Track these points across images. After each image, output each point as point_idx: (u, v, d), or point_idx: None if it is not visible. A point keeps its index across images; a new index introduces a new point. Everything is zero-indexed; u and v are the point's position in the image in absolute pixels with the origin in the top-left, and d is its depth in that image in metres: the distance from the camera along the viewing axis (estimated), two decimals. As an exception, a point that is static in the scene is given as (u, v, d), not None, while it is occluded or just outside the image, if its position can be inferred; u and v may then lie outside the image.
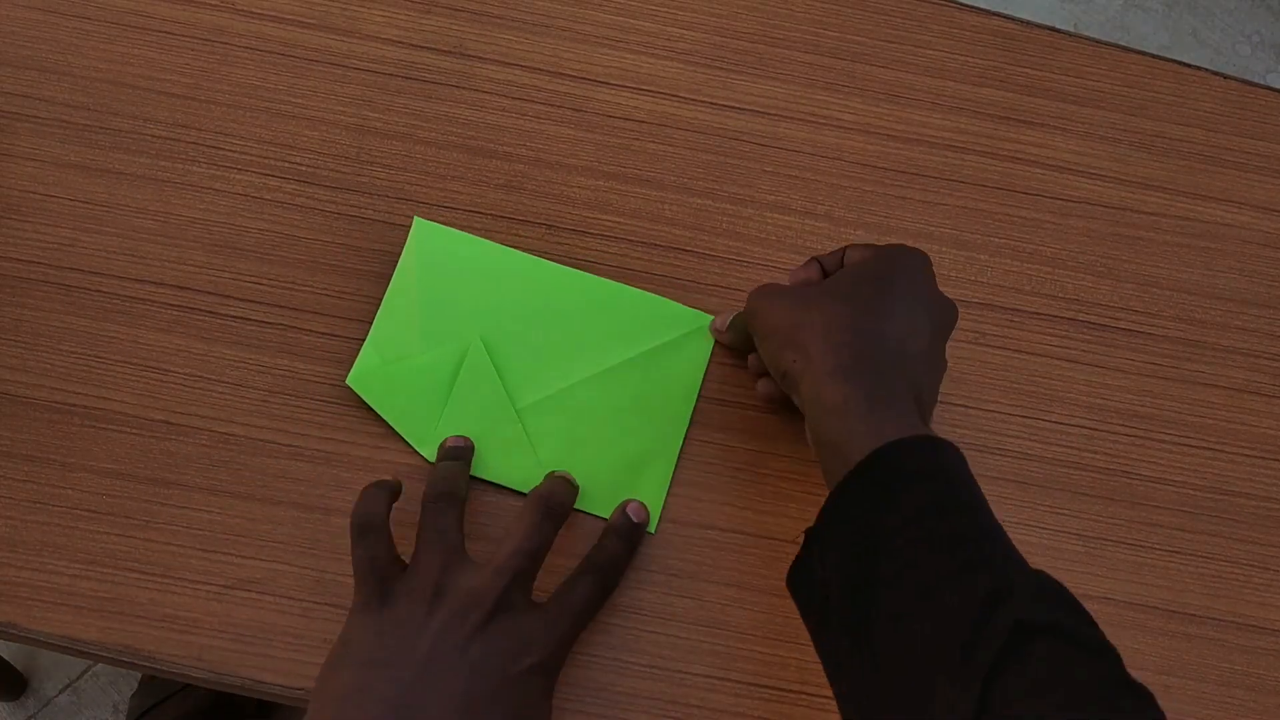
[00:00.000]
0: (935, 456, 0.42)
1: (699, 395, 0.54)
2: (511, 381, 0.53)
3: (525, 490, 0.51)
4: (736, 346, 0.54)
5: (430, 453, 0.51)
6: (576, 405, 0.53)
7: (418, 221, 0.55)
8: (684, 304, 0.55)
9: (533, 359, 0.53)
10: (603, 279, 0.55)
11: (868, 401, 0.43)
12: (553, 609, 0.46)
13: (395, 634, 0.43)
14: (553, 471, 0.51)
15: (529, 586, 0.46)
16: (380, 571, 0.45)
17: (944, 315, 0.48)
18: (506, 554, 0.45)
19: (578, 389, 0.53)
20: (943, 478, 0.42)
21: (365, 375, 0.52)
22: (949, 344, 0.56)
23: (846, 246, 0.51)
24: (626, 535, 0.50)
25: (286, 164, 0.56)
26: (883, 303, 0.45)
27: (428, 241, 0.55)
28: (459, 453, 0.51)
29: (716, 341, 0.55)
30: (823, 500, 0.43)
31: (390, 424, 0.51)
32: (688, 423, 0.53)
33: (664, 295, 0.56)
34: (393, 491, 0.48)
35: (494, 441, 0.52)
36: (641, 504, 0.51)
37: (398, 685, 0.42)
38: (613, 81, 0.60)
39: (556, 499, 0.48)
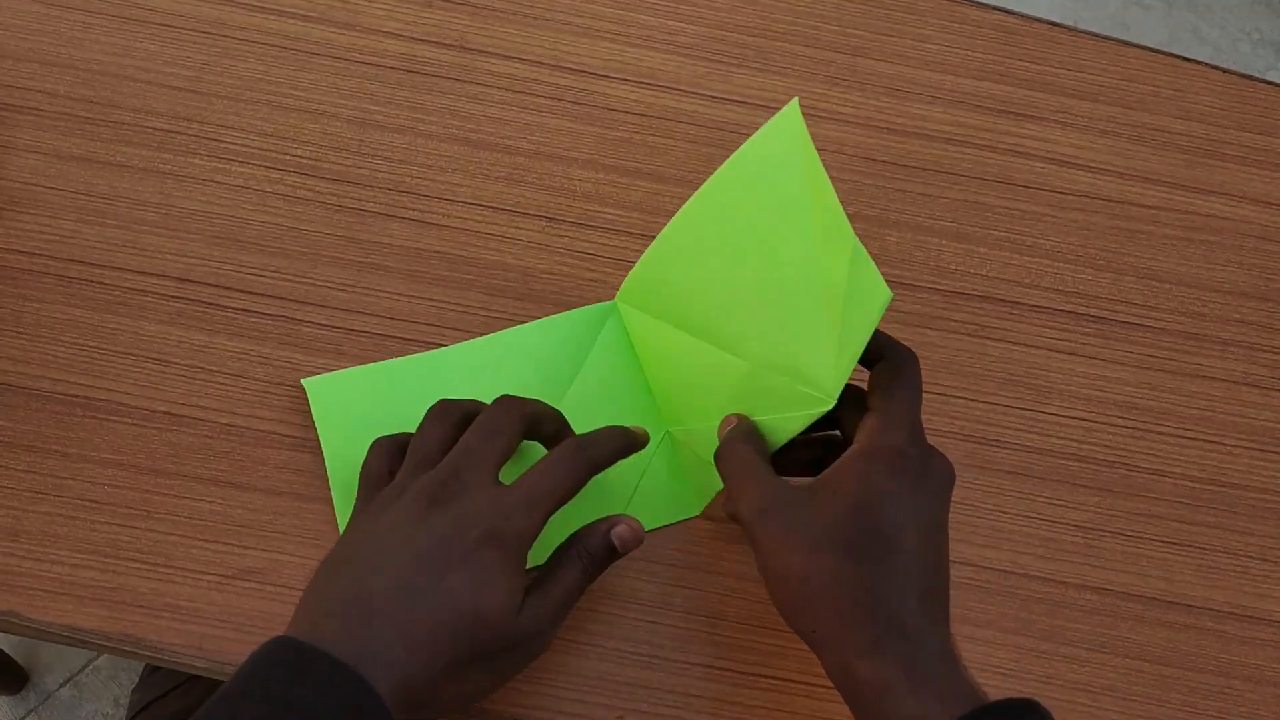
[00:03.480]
0: None
1: (650, 381, 0.53)
2: None
3: None
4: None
5: None
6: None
7: (306, 383, 0.52)
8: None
9: None
10: (499, 332, 0.54)
11: (908, 681, 0.39)
12: (515, 486, 0.44)
13: (356, 536, 0.45)
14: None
15: (488, 471, 0.44)
16: (370, 484, 0.47)
17: (942, 505, 0.44)
18: (464, 437, 0.45)
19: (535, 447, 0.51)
20: None
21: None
22: (948, 335, 0.56)
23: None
24: (623, 431, 0.48)
25: (288, 156, 0.57)
26: (891, 550, 0.41)
27: (328, 396, 0.52)
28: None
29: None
30: None
31: None
32: (656, 414, 0.53)
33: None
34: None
35: None
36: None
37: (342, 586, 0.42)
38: (613, 75, 0.60)
39: (520, 397, 0.47)
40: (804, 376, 0.45)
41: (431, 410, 0.48)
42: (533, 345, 0.54)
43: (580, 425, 0.50)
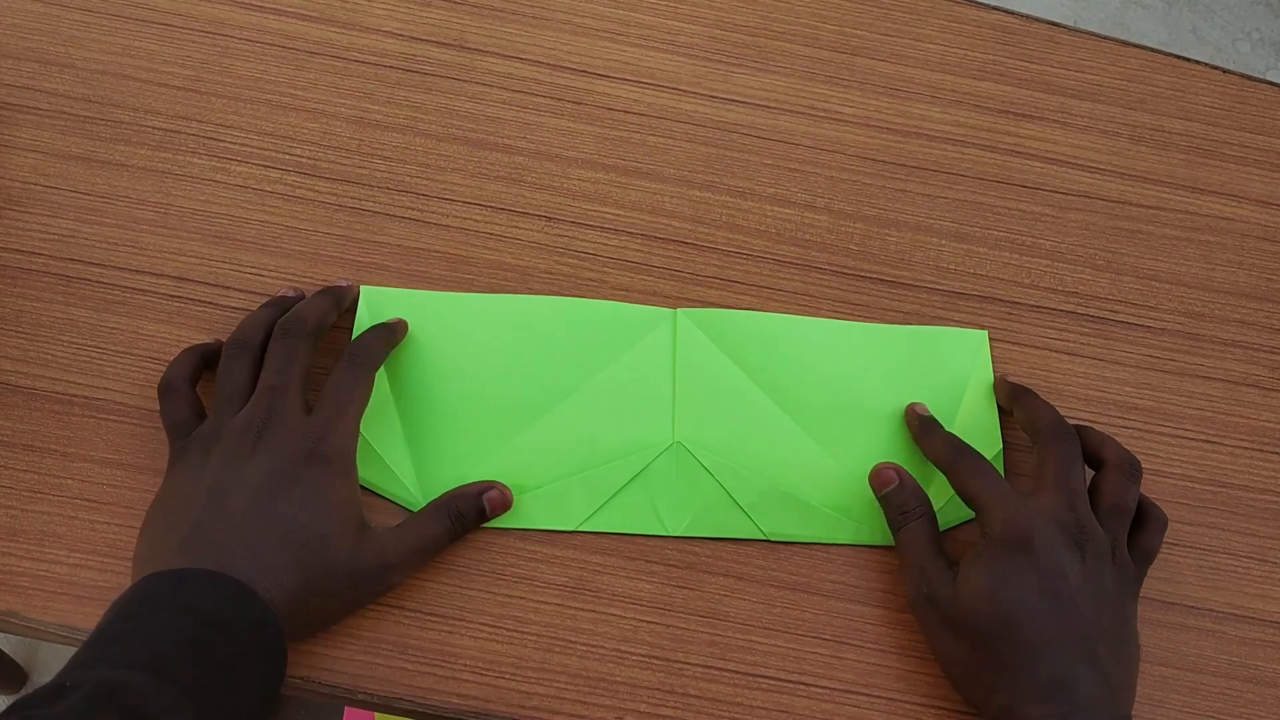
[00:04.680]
0: None
1: (676, 393, 0.53)
2: (490, 422, 0.52)
3: (516, 525, 0.51)
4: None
5: (422, 500, 0.50)
6: (559, 437, 0.52)
7: (365, 290, 0.54)
8: (684, 297, 0.55)
9: (505, 399, 0.52)
10: (556, 297, 0.54)
11: None
12: (318, 407, 0.46)
13: (185, 484, 0.45)
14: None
15: (294, 401, 0.46)
16: (178, 431, 0.47)
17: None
18: (261, 379, 0.47)
19: (555, 416, 0.52)
20: None
21: (368, 466, 0.51)
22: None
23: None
24: (384, 329, 0.51)
25: (287, 156, 0.56)
26: (998, 639, 0.45)
27: (378, 308, 0.53)
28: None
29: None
30: None
31: (380, 490, 0.50)
32: (672, 425, 0.53)
33: (664, 288, 0.56)
34: (203, 356, 0.50)
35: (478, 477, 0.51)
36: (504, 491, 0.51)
37: (186, 529, 0.43)
38: (613, 74, 0.60)
39: (294, 317, 0.49)
40: (853, 513, 0.52)
41: (227, 349, 0.49)
42: (582, 320, 0.54)
43: (594, 413, 0.52)
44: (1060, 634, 0.44)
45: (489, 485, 0.50)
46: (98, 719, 0.35)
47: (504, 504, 0.50)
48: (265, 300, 0.52)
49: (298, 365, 0.47)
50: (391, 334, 0.51)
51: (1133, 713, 0.45)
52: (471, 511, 0.49)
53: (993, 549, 0.46)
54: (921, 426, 0.52)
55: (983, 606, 0.45)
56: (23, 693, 1.09)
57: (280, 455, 0.45)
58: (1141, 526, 0.49)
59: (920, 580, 0.48)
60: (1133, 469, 0.49)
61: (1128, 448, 0.55)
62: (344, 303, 0.52)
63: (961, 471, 0.49)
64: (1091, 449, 0.50)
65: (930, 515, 0.50)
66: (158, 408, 0.51)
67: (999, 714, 0.44)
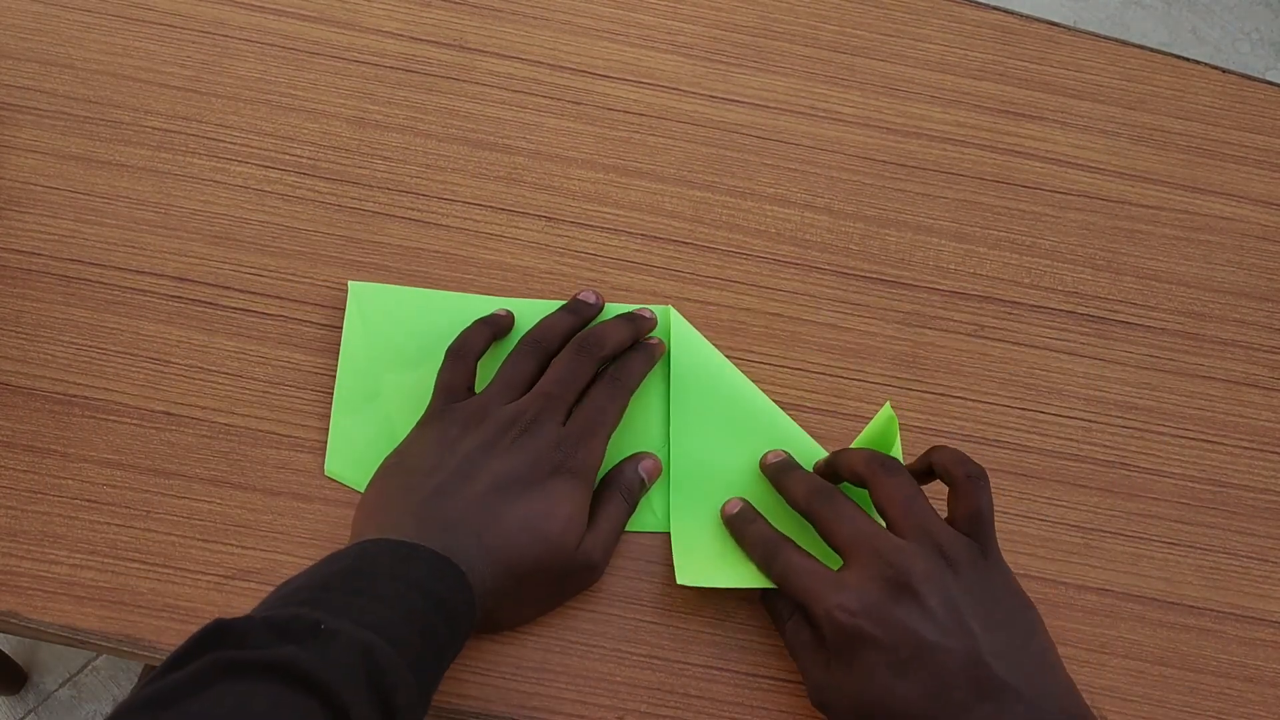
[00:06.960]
0: None
1: (671, 390, 0.53)
2: None
3: None
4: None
5: None
6: None
7: (352, 285, 0.53)
8: (684, 297, 0.55)
9: None
10: (553, 301, 0.54)
11: None
12: (572, 423, 0.48)
13: (436, 448, 0.47)
14: (611, 319, 0.53)
15: (562, 413, 0.48)
16: (449, 393, 0.50)
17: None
18: (542, 382, 0.49)
19: None
20: None
21: (341, 459, 0.51)
22: (948, 335, 0.56)
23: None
24: (645, 351, 0.52)
25: (287, 156, 0.56)
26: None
27: (368, 303, 0.53)
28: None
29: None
30: None
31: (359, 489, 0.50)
32: (667, 426, 0.53)
33: (663, 288, 0.56)
34: (497, 329, 0.52)
35: None
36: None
37: (423, 494, 0.46)
38: (613, 74, 0.60)
39: (595, 337, 0.51)
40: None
41: (524, 345, 0.51)
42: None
43: None
44: (948, 685, 0.41)
45: (641, 455, 0.51)
46: (359, 675, 0.36)
47: (658, 469, 0.51)
48: (565, 304, 0.53)
49: (578, 383, 0.49)
50: (651, 356, 0.52)
51: (1120, 705, 0.43)
52: (637, 483, 0.50)
53: (832, 656, 0.44)
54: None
55: (863, 713, 0.43)
56: (23, 694, 1.09)
57: (532, 459, 0.47)
58: (959, 493, 0.46)
59: (806, 682, 0.47)
60: (972, 477, 0.46)
61: (1128, 447, 0.55)
62: (641, 332, 0.53)
63: (769, 563, 0.47)
64: (939, 468, 0.47)
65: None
66: (158, 408, 0.51)
67: None
